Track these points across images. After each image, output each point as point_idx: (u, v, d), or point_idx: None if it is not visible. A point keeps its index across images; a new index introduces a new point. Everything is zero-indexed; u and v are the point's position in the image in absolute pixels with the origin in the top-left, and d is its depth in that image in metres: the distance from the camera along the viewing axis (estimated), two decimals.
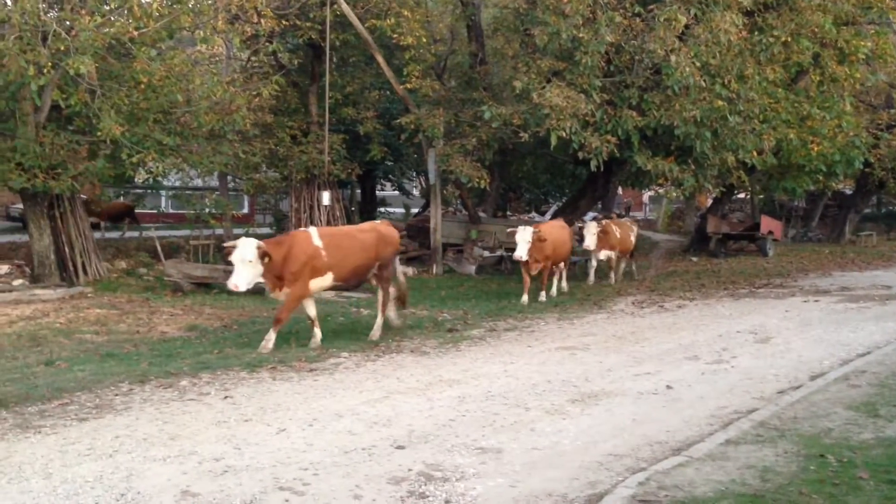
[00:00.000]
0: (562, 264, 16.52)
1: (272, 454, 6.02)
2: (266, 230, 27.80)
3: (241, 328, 11.68)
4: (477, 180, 17.24)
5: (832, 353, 10.08)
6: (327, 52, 18.80)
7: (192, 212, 19.70)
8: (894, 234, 34.95)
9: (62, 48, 11.93)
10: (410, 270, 19.20)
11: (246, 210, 34.06)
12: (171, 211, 27.44)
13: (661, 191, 29.72)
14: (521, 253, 14.59)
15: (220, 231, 21.07)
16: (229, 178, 24.29)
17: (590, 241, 17.12)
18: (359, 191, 29.45)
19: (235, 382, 8.35)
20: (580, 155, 14.97)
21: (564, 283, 16.90)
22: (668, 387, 8.34)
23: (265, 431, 6.60)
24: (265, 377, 8.62)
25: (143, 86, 13.91)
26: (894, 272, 20.91)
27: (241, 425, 6.77)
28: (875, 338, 11.06)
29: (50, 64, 11.98)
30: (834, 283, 18.35)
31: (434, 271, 19.51)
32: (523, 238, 14.63)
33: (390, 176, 31.70)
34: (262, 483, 5.43)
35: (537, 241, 14.72)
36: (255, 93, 17.27)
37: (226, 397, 7.72)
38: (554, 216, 22.37)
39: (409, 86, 18.53)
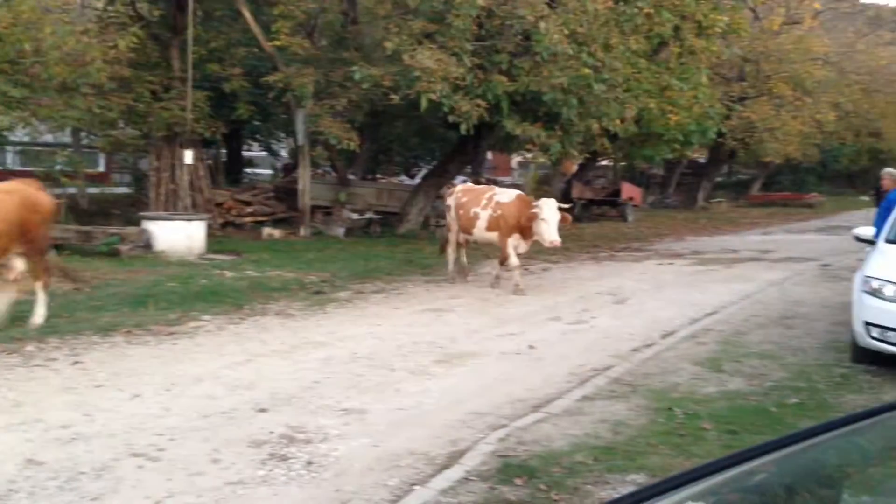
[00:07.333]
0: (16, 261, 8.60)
1: (125, 420, 5.79)
2: (123, 190, 26.60)
3: (95, 291, 11.11)
4: (347, 142, 17.00)
5: (682, 312, 10.63)
6: (190, 4, 17.96)
7: (42, 169, 18.55)
8: (742, 200, 37.11)
9: None
10: (277, 232, 18.84)
11: (102, 168, 32.36)
12: (18, 168, 25.70)
13: (528, 156, 30.31)
14: None
15: (72, 190, 19.98)
16: (83, 134, 22.99)
17: (555, 232, 11.51)
18: (224, 150, 28.50)
19: (87, 347, 7.96)
20: (450, 118, 15.01)
21: (40, 310, 8.70)
22: (531, 347, 8.56)
23: (118, 397, 6.33)
24: (119, 341, 8.26)
25: None
26: (741, 237, 22.23)
27: (91, 391, 6.47)
28: (722, 298, 11.74)
29: None
30: (687, 247, 19.33)
31: (302, 233, 19.18)
32: None
33: (258, 136, 30.85)
34: (115, 450, 5.22)
35: None
36: (111, 44, 16.31)
37: (75, 363, 7.35)
38: (424, 179, 22.41)
39: (277, 43, 17.96)
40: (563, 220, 11.60)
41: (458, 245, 13.25)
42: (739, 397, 6.61)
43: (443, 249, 13.74)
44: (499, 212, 12.19)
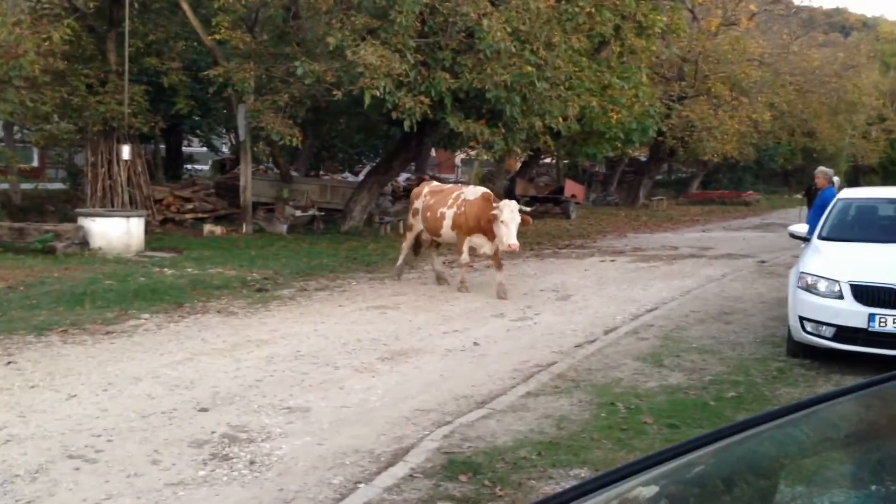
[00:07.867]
0: None
1: (61, 421, 5.64)
2: (58, 185, 25.90)
3: (29, 289, 10.81)
4: (289, 138, 16.82)
5: (624, 308, 10.79)
6: None
7: None
8: (682, 198, 37.85)
9: None
10: (218, 229, 18.55)
11: (36, 163, 31.46)
12: None
13: (472, 153, 30.44)
14: None
15: (5, 186, 19.39)
16: (16, 128, 22.34)
17: (513, 236, 11.00)
18: (164, 146, 27.93)
19: (20, 347, 7.73)
20: (394, 115, 14.97)
21: None
22: (475, 343, 8.59)
23: (53, 398, 6.16)
24: (55, 341, 8.04)
25: None
26: (681, 234, 22.65)
27: (25, 392, 6.29)
28: (662, 294, 11.95)
29: None
30: (628, 244, 19.61)
31: (244, 230, 18.93)
32: None
33: (198, 131, 30.31)
34: (50, 452, 5.08)
35: None
36: (44, 36, 15.85)
37: (9, 363, 7.13)
38: (368, 176, 22.30)
39: (217, 37, 17.67)
40: (523, 223, 11.27)
41: (431, 248, 12.90)
42: (679, 391, 6.74)
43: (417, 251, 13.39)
44: (462, 209, 11.82)
